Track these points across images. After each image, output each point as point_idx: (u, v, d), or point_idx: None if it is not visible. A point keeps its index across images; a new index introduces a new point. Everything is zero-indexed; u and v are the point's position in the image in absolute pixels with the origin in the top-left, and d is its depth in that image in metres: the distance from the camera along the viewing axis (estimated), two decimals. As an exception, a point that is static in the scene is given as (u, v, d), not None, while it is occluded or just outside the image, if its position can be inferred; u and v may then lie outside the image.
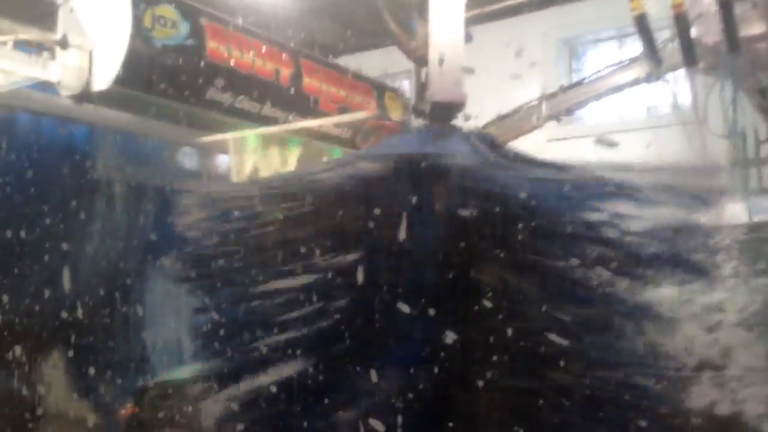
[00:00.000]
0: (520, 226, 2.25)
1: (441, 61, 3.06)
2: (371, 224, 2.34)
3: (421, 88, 3.14)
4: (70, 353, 4.05)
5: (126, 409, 4.21)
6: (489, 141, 3.03)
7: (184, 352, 4.00)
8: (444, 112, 3.11)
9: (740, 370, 2.76)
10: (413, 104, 3.21)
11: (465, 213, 2.26)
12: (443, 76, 3.07)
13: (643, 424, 2.17)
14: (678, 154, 4.45)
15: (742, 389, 2.75)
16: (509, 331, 2.18)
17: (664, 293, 2.37)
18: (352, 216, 2.37)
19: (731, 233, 3.12)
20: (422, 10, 3.16)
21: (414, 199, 2.34)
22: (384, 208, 2.35)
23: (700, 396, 2.73)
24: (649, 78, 4.32)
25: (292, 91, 5.01)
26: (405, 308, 2.21)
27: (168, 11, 4.22)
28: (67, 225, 4.05)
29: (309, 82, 5.15)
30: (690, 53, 3.61)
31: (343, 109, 5.43)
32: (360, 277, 2.28)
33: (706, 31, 3.88)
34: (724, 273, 2.82)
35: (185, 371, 3.79)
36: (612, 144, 4.59)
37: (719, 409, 2.71)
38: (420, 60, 3.15)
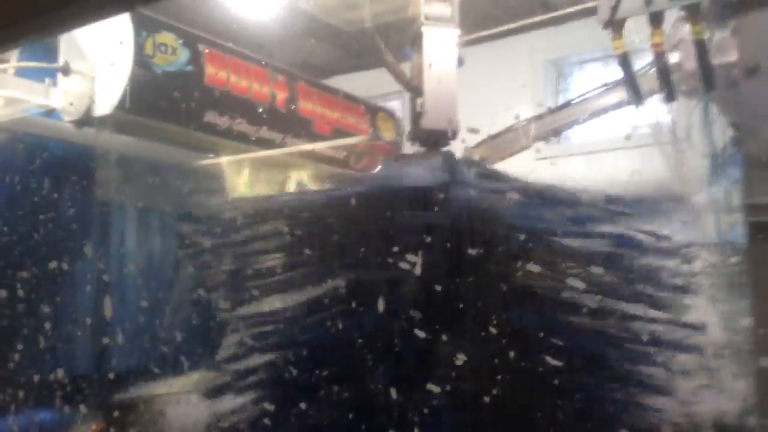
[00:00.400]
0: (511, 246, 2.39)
1: (435, 91, 3.21)
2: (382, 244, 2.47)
3: (416, 116, 3.29)
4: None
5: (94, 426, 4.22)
6: (480, 167, 3.19)
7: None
8: (438, 139, 3.26)
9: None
10: (408, 131, 3.35)
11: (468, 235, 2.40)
12: (438, 105, 3.22)
13: None
14: (659, 173, 4.61)
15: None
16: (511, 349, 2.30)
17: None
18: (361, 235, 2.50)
19: (709, 252, 3.26)
20: (416, 42, 3.31)
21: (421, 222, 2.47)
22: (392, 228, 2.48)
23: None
24: (630, 104, 4.50)
25: (288, 113, 5.13)
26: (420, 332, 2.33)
27: (169, 39, 4.35)
28: (67, 246, 4.13)
29: (304, 104, 5.29)
30: (669, 89, 3.77)
31: (337, 131, 5.56)
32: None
33: (687, 58, 4.04)
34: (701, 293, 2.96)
35: (154, 386, 3.86)
36: None
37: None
38: (415, 89, 3.29)
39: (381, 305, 2.48)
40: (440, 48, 3.24)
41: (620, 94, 4.85)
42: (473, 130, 3.10)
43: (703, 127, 4.28)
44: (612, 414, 2.37)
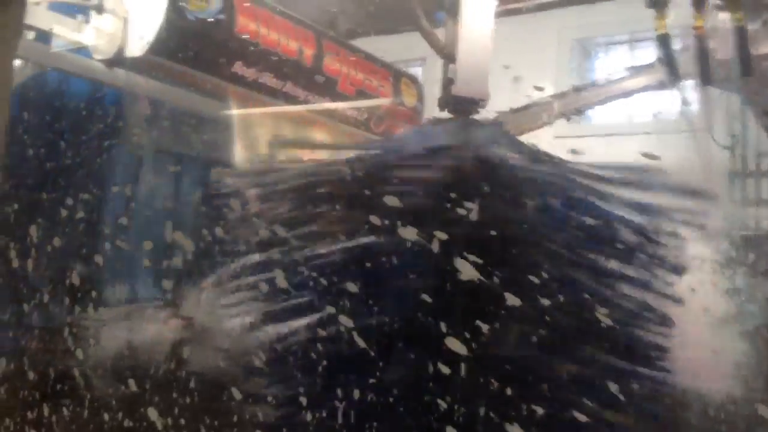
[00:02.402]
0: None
1: (469, 59, 3.23)
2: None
3: (448, 82, 3.31)
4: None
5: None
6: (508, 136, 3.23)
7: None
8: (468, 106, 3.29)
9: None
10: (438, 98, 3.37)
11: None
12: (470, 72, 3.24)
13: None
14: (682, 161, 4.64)
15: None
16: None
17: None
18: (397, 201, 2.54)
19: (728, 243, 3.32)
20: (453, 9, 3.32)
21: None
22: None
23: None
24: (662, 85, 4.52)
25: (314, 71, 5.15)
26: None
27: (203, -15, 4.36)
28: (93, 190, 4.16)
29: (329, 63, 5.29)
30: (706, 72, 3.78)
31: (360, 92, 5.57)
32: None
33: (720, 46, 4.05)
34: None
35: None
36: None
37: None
38: (448, 56, 3.31)
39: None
40: (477, 16, 3.24)
41: (647, 78, 4.87)
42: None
43: (728, 116, 4.31)
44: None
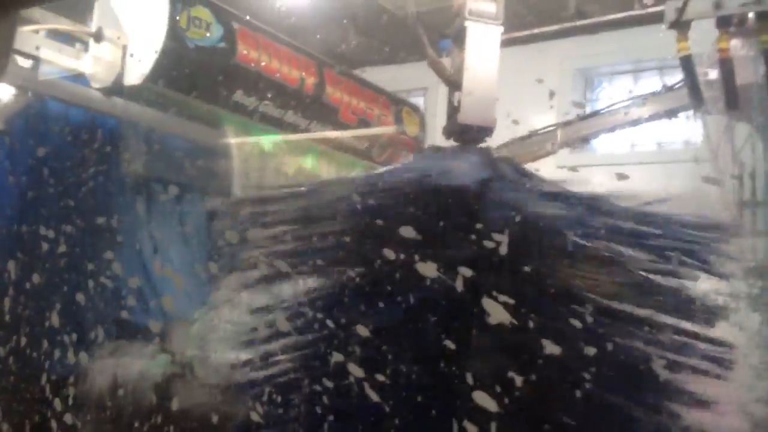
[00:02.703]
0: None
1: (475, 87, 3.17)
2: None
3: (453, 110, 3.24)
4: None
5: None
6: (514, 165, 3.14)
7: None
8: (474, 134, 3.22)
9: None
10: (443, 126, 3.30)
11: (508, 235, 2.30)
12: (476, 100, 3.18)
13: None
14: (687, 190, 4.56)
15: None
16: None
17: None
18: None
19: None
20: (459, 37, 3.27)
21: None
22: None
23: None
24: (669, 114, 4.46)
25: (315, 99, 5.09)
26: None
27: (203, 13, 4.31)
28: (91, 221, 4.06)
29: (331, 91, 5.24)
30: (733, 97, 3.70)
31: (362, 121, 5.51)
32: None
33: (743, 69, 3.96)
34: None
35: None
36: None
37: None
38: (454, 84, 3.24)
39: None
40: (483, 45, 3.19)
41: (653, 107, 4.82)
42: (515, 122, 3.01)
43: (734, 144, 4.23)
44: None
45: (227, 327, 3.14)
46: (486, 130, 3.20)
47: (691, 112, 4.56)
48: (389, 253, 2.32)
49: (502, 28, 3.26)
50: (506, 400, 2.07)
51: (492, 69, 3.20)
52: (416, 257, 2.27)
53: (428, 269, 2.21)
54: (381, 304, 2.38)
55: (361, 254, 2.52)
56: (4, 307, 3.63)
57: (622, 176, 2.95)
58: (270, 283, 2.59)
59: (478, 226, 2.32)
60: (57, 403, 3.21)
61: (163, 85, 4.19)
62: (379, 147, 5.66)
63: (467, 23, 3.21)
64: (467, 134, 3.19)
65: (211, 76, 4.39)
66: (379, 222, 2.46)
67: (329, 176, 5.20)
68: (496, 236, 2.21)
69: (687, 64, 3.81)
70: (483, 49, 3.20)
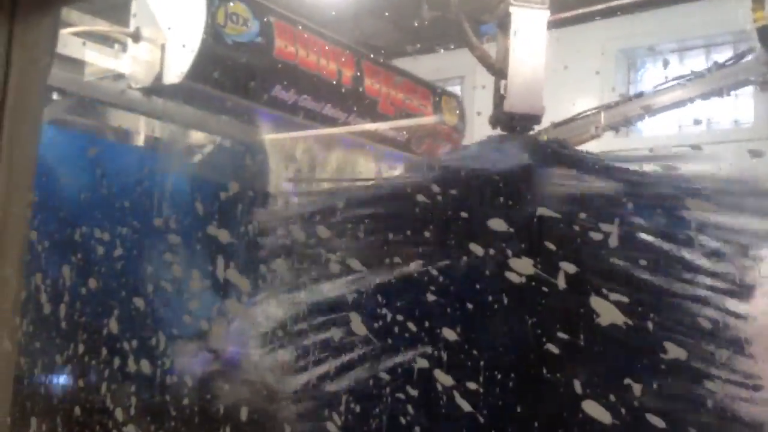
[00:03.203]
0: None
1: (521, 75, 3.07)
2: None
3: (499, 99, 3.16)
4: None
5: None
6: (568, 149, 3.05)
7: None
8: (522, 123, 3.13)
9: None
10: (490, 115, 3.21)
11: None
12: (522, 88, 3.08)
13: None
14: (737, 172, 4.40)
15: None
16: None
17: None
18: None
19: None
20: (503, 23, 3.17)
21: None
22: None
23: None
24: (715, 94, 4.30)
25: (353, 92, 5.03)
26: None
27: (240, 9, 4.27)
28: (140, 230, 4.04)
29: (369, 83, 5.17)
30: None
31: (401, 112, 5.44)
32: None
33: None
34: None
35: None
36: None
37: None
38: (499, 72, 3.16)
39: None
40: (529, 29, 3.09)
41: (698, 87, 4.66)
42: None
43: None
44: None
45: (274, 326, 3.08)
46: (533, 118, 3.11)
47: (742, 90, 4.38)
48: (476, 249, 2.14)
49: (548, 12, 3.16)
50: (623, 410, 1.86)
51: (539, 55, 3.11)
52: (509, 252, 2.08)
53: (524, 266, 2.00)
54: (470, 305, 2.21)
55: (448, 248, 2.34)
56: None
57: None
58: (336, 280, 2.50)
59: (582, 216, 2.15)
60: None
61: (202, 82, 4.16)
62: (418, 138, 5.59)
63: (512, 8, 3.12)
64: (515, 122, 3.11)
65: (249, 71, 4.36)
66: (464, 215, 2.29)
67: (369, 170, 5.14)
68: (604, 226, 2.02)
69: (765, 33, 3.64)
70: (529, 35, 3.10)
